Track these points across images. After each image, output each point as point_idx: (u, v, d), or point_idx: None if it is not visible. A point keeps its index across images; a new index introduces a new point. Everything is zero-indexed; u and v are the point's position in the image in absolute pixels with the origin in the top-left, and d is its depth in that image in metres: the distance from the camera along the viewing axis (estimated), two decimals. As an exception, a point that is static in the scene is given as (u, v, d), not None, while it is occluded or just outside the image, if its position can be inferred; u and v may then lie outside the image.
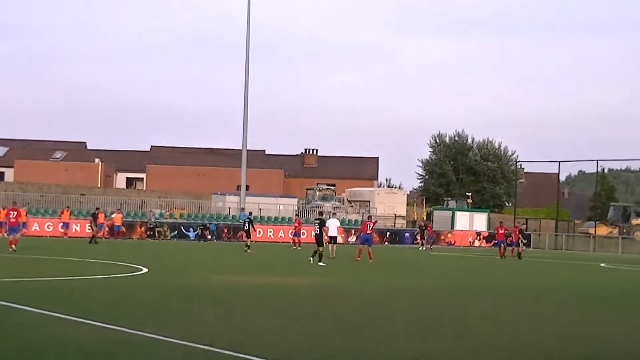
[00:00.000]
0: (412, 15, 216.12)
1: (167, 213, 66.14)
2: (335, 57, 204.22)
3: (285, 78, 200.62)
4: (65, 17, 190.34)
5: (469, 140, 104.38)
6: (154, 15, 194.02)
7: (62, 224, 56.42)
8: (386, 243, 65.83)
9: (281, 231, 62.37)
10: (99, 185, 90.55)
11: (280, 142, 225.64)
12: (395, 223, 73.04)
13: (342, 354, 12.28)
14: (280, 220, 65.76)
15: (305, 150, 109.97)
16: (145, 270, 27.52)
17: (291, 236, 53.19)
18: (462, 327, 15.61)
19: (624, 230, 76.68)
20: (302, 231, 52.74)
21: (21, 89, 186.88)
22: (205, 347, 12.22)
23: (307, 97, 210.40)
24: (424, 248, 58.83)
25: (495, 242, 49.61)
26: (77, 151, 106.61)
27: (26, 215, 45.33)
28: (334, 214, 42.46)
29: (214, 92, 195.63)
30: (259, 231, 51.36)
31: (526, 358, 12.73)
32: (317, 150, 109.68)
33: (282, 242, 58.93)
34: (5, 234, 52.67)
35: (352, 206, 75.48)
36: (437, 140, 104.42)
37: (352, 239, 63.15)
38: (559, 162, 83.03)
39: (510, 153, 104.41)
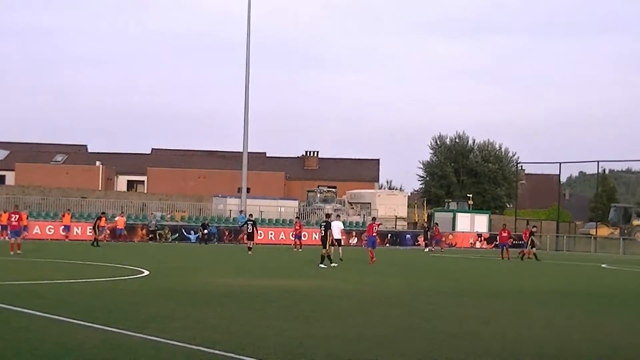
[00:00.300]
0: (412, 18, 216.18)
1: (168, 216, 66.18)
2: (335, 59, 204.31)
3: (285, 80, 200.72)
4: (65, 19, 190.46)
5: (470, 142, 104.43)
6: (155, 18, 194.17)
7: (63, 227, 56.49)
8: (387, 245, 65.87)
9: (282, 233, 62.42)
10: (100, 188, 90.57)
11: (281, 145, 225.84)
12: (396, 225, 73.06)
13: (343, 357, 12.28)
14: (281, 222, 65.78)
15: (306, 152, 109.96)
16: (146, 273, 27.54)
17: (292, 238, 53.24)
18: (463, 330, 15.60)
19: (625, 231, 76.63)
20: (303, 233, 52.64)
21: (22, 92, 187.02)
22: (207, 350, 12.22)
23: (308, 99, 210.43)
24: (427, 250, 58.92)
25: (497, 243, 49.54)
26: (78, 154, 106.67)
27: (27, 218, 45.43)
28: (338, 216, 42.40)
29: (215, 95, 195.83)
30: (260, 233, 51.37)
31: None
32: (317, 152, 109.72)
33: (283, 244, 58.95)
34: (7, 237, 52.93)
35: (352, 208, 75.49)
36: (438, 142, 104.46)
37: (353, 240, 63.20)
38: (560, 163, 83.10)
39: (511, 154, 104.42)
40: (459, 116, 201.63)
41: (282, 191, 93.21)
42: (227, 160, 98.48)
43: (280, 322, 15.95)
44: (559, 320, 17.85)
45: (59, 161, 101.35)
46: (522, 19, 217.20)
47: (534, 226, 55.15)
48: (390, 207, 74.72)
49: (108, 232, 55.74)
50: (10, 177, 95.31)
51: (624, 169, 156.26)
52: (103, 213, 54.57)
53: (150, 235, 59.14)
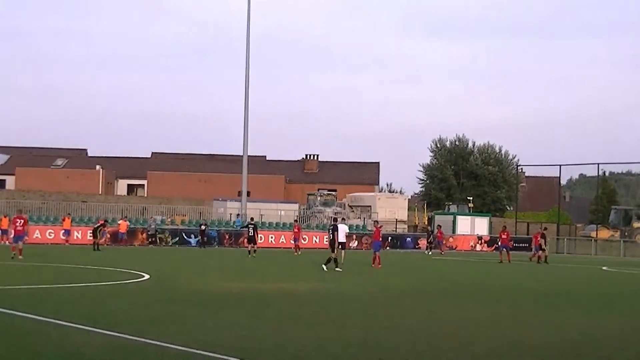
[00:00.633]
0: (412, 21, 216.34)
1: (169, 219, 66.17)
2: (335, 62, 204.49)
3: (285, 83, 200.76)
4: (66, 23, 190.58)
5: (470, 145, 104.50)
6: (155, 21, 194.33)
7: (63, 231, 56.48)
8: (387, 248, 65.78)
9: (282, 237, 62.38)
10: (100, 192, 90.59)
11: (281, 148, 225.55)
12: (396, 228, 73.03)
13: (345, 359, 12.28)
14: (281, 225, 65.77)
15: (306, 155, 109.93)
16: (147, 276, 27.53)
17: (292, 242, 53.25)
18: (464, 332, 15.60)
19: (626, 234, 76.59)
20: (303, 237, 52.58)
21: (22, 96, 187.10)
22: (208, 354, 12.22)
23: (308, 102, 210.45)
24: (430, 252, 58.94)
25: (497, 246, 49.46)
26: (78, 158, 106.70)
27: (27, 222, 45.42)
28: (343, 219, 42.49)
29: (215, 98, 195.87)
30: (260, 237, 51.36)
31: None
32: (317, 155, 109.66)
33: (284, 248, 58.94)
34: (7, 242, 52.90)
35: (353, 211, 75.46)
36: (438, 145, 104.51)
37: (354, 244, 63.15)
38: (560, 165, 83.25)
39: (511, 157, 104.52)
40: (459, 119, 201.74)
41: (282, 194, 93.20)
42: (227, 163, 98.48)
43: (280, 325, 15.95)
44: (559, 322, 17.84)
45: (59, 165, 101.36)
46: (523, 20, 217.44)
47: (544, 229, 55.20)
48: (391, 210, 74.66)
49: (109, 236, 55.74)
50: (10, 182, 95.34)
51: (624, 171, 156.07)
52: (106, 220, 54.57)
53: (150, 239, 59.10)
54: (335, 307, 19.96)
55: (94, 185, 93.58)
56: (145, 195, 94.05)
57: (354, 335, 14.94)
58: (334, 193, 79.55)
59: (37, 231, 55.15)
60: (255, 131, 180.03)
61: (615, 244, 72.13)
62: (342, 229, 38.52)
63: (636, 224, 79.98)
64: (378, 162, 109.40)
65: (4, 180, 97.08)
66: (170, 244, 59.87)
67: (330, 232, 35.35)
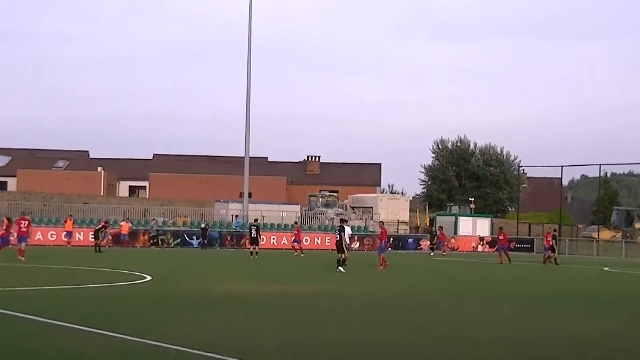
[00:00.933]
0: (413, 22, 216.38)
1: (170, 221, 66.19)
2: (337, 64, 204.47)
3: (287, 85, 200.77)
4: (67, 25, 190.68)
5: (471, 146, 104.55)
6: (156, 23, 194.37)
7: (65, 232, 56.48)
8: (389, 249, 65.75)
9: (284, 238, 62.36)
10: (101, 194, 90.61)
11: (283, 149, 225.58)
12: (398, 229, 73.00)
13: (345, 361, 12.30)
14: (283, 227, 65.77)
15: (308, 157, 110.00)
16: (148, 278, 27.55)
17: (293, 243, 53.22)
18: (466, 333, 15.61)
19: (627, 234, 76.61)
20: (304, 238, 52.52)
21: (23, 98, 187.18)
22: (209, 355, 12.23)
23: (309, 104, 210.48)
24: (433, 254, 58.99)
25: (501, 247, 49.44)
26: (79, 160, 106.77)
27: (30, 224, 45.50)
28: (345, 221, 42.46)
29: (216, 100, 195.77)
30: (262, 238, 51.35)
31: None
32: (319, 157, 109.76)
33: (286, 249, 58.92)
34: (10, 244, 52.93)
35: (354, 212, 75.45)
36: (440, 146, 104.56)
37: (355, 245, 63.11)
38: (562, 166, 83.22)
39: (512, 158, 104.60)
40: (460, 120, 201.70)
41: (283, 196, 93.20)
42: (228, 165, 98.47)
43: (281, 327, 15.96)
44: (561, 323, 17.84)
45: (60, 167, 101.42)
46: (523, 21, 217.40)
47: (554, 230, 55.22)
48: (392, 211, 74.63)
49: (110, 237, 55.76)
50: (12, 183, 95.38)
51: (626, 172, 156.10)
52: (106, 222, 54.58)
53: (152, 241, 59.12)
54: (337, 308, 19.96)
55: (95, 187, 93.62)
56: (147, 197, 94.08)
57: (356, 335, 14.95)
58: (335, 194, 79.56)
59: (39, 233, 55.13)
60: (257, 132, 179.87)
61: (617, 245, 72.10)
62: (346, 231, 38.51)
63: (638, 225, 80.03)
64: (380, 164, 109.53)
65: (6, 182, 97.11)
66: (172, 245, 59.88)
67: (337, 234, 35.20)
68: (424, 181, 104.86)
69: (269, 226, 64.67)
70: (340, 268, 33.65)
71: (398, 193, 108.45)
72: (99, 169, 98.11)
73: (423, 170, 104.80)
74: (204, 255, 49.57)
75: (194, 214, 70.54)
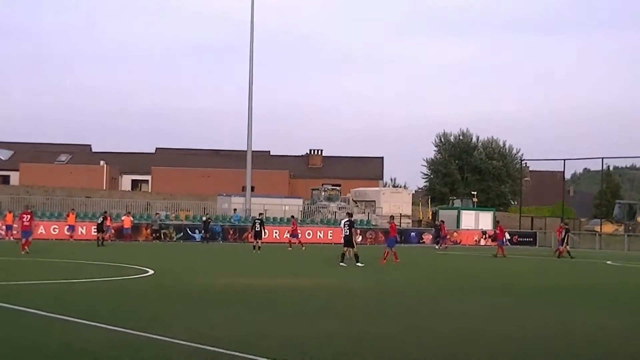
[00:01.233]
0: (416, 16, 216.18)
1: (173, 215, 66.21)
2: (339, 58, 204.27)
3: (289, 79, 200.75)
4: (70, 19, 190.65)
5: (474, 139, 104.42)
6: (159, 17, 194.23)
7: (67, 226, 56.49)
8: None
9: (287, 232, 62.35)
10: (104, 188, 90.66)
11: (285, 143, 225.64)
12: (400, 222, 72.98)
13: (347, 355, 12.29)
14: (285, 221, 65.73)
15: (310, 150, 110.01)
16: (151, 272, 27.56)
17: (290, 237, 53.01)
18: (467, 328, 15.61)
19: (630, 228, 76.57)
20: (307, 232, 52.42)
21: (26, 92, 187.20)
22: (211, 348, 12.25)
23: (312, 97, 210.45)
24: (438, 247, 59.06)
25: (499, 240, 49.50)
26: (82, 154, 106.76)
27: (34, 218, 45.62)
28: (349, 214, 42.36)
29: (218, 94, 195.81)
30: (265, 232, 51.36)
31: (531, 359, 12.72)
32: (321, 150, 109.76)
33: (288, 243, 58.89)
34: (12, 237, 53.00)
35: (357, 206, 75.45)
36: (442, 140, 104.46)
37: (358, 238, 63.06)
38: (564, 160, 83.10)
39: (515, 151, 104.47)
40: (462, 113, 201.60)
41: (286, 189, 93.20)
42: (231, 159, 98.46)
43: (284, 320, 15.97)
44: (563, 317, 17.85)
45: (63, 161, 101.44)
46: (526, 16, 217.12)
47: (566, 223, 55.31)
48: (395, 204, 74.60)
49: (113, 231, 55.77)
50: (14, 177, 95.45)
51: (628, 166, 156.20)
52: (105, 212, 54.62)
53: (155, 235, 59.16)
54: (339, 301, 19.97)
55: (98, 180, 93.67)
56: (150, 191, 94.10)
57: (358, 329, 14.95)
58: (338, 188, 79.52)
59: (42, 227, 55.16)
60: (259, 126, 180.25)
61: (620, 238, 72.06)
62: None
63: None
64: (382, 157, 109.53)
65: (8, 176, 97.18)
66: (174, 239, 59.89)
67: (347, 228, 35.06)
68: (427, 175, 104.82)
69: (271, 220, 64.65)
70: (358, 264, 33.50)
71: (400, 187, 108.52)
72: (102, 162, 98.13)
73: (425, 164, 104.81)
74: (206, 249, 49.57)
75: (196, 208, 70.56)
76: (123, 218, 57.94)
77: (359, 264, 33.26)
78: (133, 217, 59.46)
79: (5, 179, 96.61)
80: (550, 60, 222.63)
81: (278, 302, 19.58)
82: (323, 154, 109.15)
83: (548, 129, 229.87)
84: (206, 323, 15.22)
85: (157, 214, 62.55)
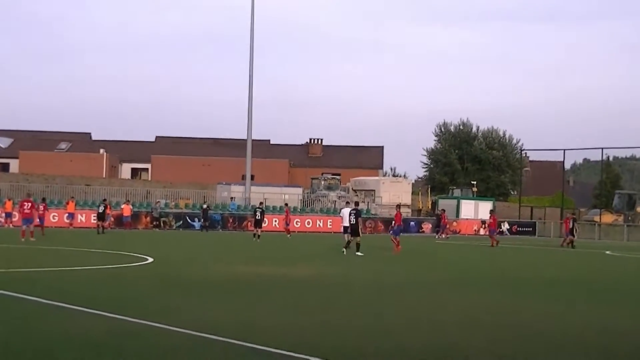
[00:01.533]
0: (416, 5, 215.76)
1: (172, 203, 66.25)
2: (339, 47, 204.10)
3: (289, 68, 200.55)
4: (70, 9, 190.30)
5: (474, 129, 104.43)
6: (160, 6, 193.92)
7: (67, 214, 56.53)
8: (391, 232, 65.78)
9: (285, 221, 62.38)
10: (104, 176, 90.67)
11: (285, 132, 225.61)
12: (400, 212, 72.99)
13: (346, 346, 12.29)
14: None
15: (310, 139, 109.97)
16: (150, 260, 27.57)
17: (286, 226, 53.07)
18: (467, 319, 15.59)
19: (629, 218, 76.63)
20: (307, 221, 52.33)
21: (26, 80, 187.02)
22: (211, 337, 12.23)
23: (312, 86, 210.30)
24: (437, 237, 59.23)
25: (491, 230, 49.65)
26: (82, 142, 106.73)
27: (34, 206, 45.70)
28: (347, 203, 42.32)
29: (219, 83, 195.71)
30: (265, 221, 51.41)
31: (531, 349, 12.72)
32: (321, 139, 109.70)
33: (288, 232, 58.90)
34: (11, 225, 53.04)
35: (357, 195, 75.45)
36: (442, 129, 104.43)
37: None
38: (564, 150, 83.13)
39: (515, 141, 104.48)
40: (463, 103, 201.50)
41: (286, 178, 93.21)
42: (231, 147, 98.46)
43: (285, 309, 15.96)
44: (563, 308, 17.84)
45: (63, 149, 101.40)
46: (527, 6, 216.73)
47: (573, 214, 55.51)
48: (395, 194, 74.63)
49: (112, 219, 55.80)
50: (14, 165, 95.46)
51: (628, 156, 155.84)
52: (105, 199, 54.61)
53: (155, 223, 59.22)
54: (338, 291, 19.94)
55: (97, 169, 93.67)
56: (149, 179, 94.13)
57: (357, 319, 14.95)
58: (337, 177, 79.59)
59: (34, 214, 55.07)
60: (260, 115, 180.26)
61: (619, 229, 72.15)
62: (348, 213, 38.45)
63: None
64: (382, 147, 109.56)
65: (8, 164, 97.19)
66: (174, 227, 59.97)
67: (353, 217, 35.07)
68: (427, 164, 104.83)
69: (271, 209, 64.71)
70: (358, 253, 33.51)
71: (400, 176, 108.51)
72: (101, 150, 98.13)
73: (425, 154, 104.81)
74: (205, 237, 49.59)
75: (196, 197, 70.62)
76: (123, 206, 57.97)
77: (358, 253, 33.28)
78: (133, 206, 59.51)
79: (5, 167, 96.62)
80: (551, 50, 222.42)
81: (278, 291, 19.57)
82: (323, 143, 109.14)
83: (548, 119, 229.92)
84: (206, 311, 15.22)
85: (157, 202, 62.61)
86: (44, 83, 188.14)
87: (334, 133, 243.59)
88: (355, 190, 76.55)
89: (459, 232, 69.22)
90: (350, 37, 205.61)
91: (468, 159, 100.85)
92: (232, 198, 66.22)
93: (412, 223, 69.76)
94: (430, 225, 68.61)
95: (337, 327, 13.79)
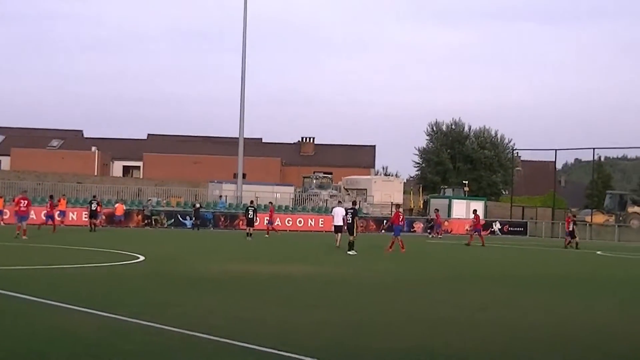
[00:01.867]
0: (408, 4, 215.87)
1: (164, 201, 66.13)
2: (332, 46, 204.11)
3: (282, 66, 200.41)
4: (61, 5, 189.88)
5: (466, 129, 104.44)
6: (152, 3, 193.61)
7: (58, 212, 56.39)
8: (383, 231, 65.84)
9: (278, 219, 62.38)
10: (95, 174, 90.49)
11: (277, 130, 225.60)
12: (392, 211, 73.03)
13: (343, 343, 12.28)
14: (277, 208, 65.72)
15: (302, 138, 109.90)
16: (142, 258, 27.53)
17: (267, 224, 52.98)
18: (462, 316, 15.60)
19: (620, 218, 76.71)
20: (298, 219, 52.26)
21: (17, 77, 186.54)
22: (203, 335, 12.20)
23: (304, 85, 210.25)
24: (431, 236, 59.31)
25: (474, 230, 49.69)
26: (73, 139, 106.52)
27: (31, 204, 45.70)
28: (339, 202, 42.25)
29: (211, 81, 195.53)
30: (257, 219, 51.35)
31: (524, 347, 12.74)
32: (314, 138, 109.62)
33: (279, 231, 58.92)
34: (2, 222, 52.89)
35: (348, 194, 75.42)
36: (434, 129, 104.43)
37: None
38: (556, 150, 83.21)
39: (507, 141, 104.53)
40: (455, 102, 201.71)
41: (278, 177, 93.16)
42: (223, 145, 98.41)
43: (278, 308, 15.93)
44: (555, 307, 17.86)
45: (54, 146, 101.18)
46: (519, 6, 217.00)
47: (574, 215, 55.67)
48: (386, 193, 74.65)
49: (104, 217, 55.69)
50: (5, 162, 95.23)
51: (619, 156, 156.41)
52: (95, 196, 54.52)
53: (146, 221, 59.13)
54: (334, 290, 19.93)
55: (89, 166, 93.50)
56: (141, 177, 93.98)
57: (352, 317, 14.93)
58: (329, 176, 79.54)
59: (32, 212, 55.02)
60: (252, 113, 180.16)
61: (610, 229, 72.22)
62: (340, 212, 38.48)
63: (631, 209, 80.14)
64: (374, 146, 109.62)
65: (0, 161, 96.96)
66: (165, 225, 59.88)
67: (350, 216, 35.25)
68: (418, 163, 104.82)
69: (262, 207, 64.65)
70: (349, 252, 33.54)
71: (392, 175, 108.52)
72: (93, 148, 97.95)
73: (417, 153, 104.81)
74: (197, 236, 49.53)
75: (187, 195, 70.52)
76: (116, 206, 57.91)
77: (350, 252, 33.34)
78: (124, 204, 59.39)
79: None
80: (543, 50, 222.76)
81: (270, 289, 19.55)
82: (315, 142, 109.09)
83: (540, 119, 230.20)
84: (198, 310, 15.19)
85: (148, 200, 62.51)
86: (35, 80, 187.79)
87: (326, 132, 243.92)
88: (347, 189, 76.53)
89: (451, 231, 69.23)
90: (344, 35, 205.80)
91: (460, 158, 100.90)
92: (220, 196, 66.13)
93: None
94: (422, 225, 68.67)
95: (330, 326, 13.77)
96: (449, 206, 74.18)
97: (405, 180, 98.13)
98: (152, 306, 15.45)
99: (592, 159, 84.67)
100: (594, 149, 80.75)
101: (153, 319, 13.53)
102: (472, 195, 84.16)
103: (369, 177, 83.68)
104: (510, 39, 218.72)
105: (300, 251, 36.49)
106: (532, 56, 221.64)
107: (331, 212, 41.08)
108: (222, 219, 62.17)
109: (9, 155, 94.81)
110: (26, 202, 39.23)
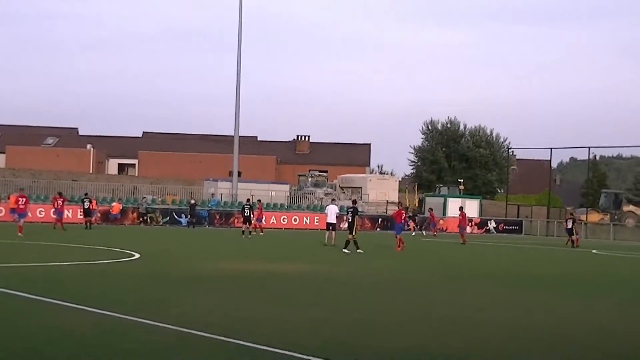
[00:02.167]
0: (404, 4, 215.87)
1: (159, 199, 66.07)
2: (328, 44, 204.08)
3: (278, 65, 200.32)
4: (62, 5, 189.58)
5: (461, 127, 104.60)
6: (147, 2, 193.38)
7: (54, 209, 56.27)
8: (378, 229, 65.88)
9: (273, 217, 62.37)
10: (91, 171, 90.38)
11: (273, 129, 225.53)
12: (387, 209, 73.07)
13: (338, 341, 12.25)
14: (272, 206, 65.72)
15: (298, 136, 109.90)
16: (137, 256, 27.49)
17: (256, 222, 52.95)
18: (458, 315, 15.58)
19: (615, 217, 76.80)
20: (294, 217, 52.19)
21: (13, 74, 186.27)
22: (200, 333, 12.17)
23: (300, 83, 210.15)
24: (425, 234, 59.43)
25: (461, 228, 49.82)
26: (69, 137, 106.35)
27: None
28: (333, 200, 42.20)
29: (207, 79, 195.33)
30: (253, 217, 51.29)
31: (524, 347, 12.74)
32: (309, 136, 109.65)
33: (274, 229, 58.91)
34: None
35: (344, 192, 75.46)
36: (430, 127, 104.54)
37: (344, 224, 63.11)
38: (551, 148, 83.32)
39: (502, 140, 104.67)
40: (450, 101, 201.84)
41: (273, 175, 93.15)
42: (218, 143, 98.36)
43: (275, 306, 15.88)
44: (553, 306, 17.85)
45: (50, 144, 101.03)
46: (515, 5, 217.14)
47: (572, 213, 55.75)
48: (381, 191, 74.67)
49: (99, 215, 55.64)
50: (0, 160, 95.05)
51: (614, 155, 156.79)
52: (86, 194, 54.50)
53: (141, 219, 59.09)
54: (331, 288, 19.88)
55: (84, 164, 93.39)
56: (136, 175, 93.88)
57: (348, 316, 14.88)
58: (325, 174, 79.54)
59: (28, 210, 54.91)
60: (247, 112, 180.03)
61: (605, 228, 72.31)
62: (333, 210, 38.46)
63: (626, 208, 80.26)
64: (369, 144, 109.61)
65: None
66: (160, 223, 59.84)
67: (350, 215, 35.29)
68: (414, 162, 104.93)
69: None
70: (345, 250, 33.58)
71: (387, 173, 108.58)
72: (88, 146, 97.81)
73: (412, 151, 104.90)
74: (192, 233, 49.49)
75: (183, 193, 70.47)
76: (113, 205, 57.90)
77: (345, 250, 33.36)
78: (119, 201, 59.34)
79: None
80: (539, 50, 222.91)
81: (266, 287, 19.52)
82: (310, 140, 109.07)
83: (535, 118, 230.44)
84: (195, 308, 15.14)
85: (143, 198, 62.45)
86: (31, 78, 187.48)
87: (321, 130, 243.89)
88: (342, 188, 76.52)
89: (446, 229, 69.21)
90: (339, 34, 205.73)
91: (455, 156, 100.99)
92: (212, 194, 66.10)
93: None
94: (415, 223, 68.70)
95: (328, 324, 13.73)
96: (444, 205, 74.19)
97: (401, 179, 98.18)
98: (148, 304, 15.42)
99: (587, 157, 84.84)
100: (589, 147, 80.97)
101: (149, 316, 13.49)
102: (468, 193, 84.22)
103: (364, 175, 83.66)
104: (506, 39, 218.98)
105: (296, 249, 36.47)
106: (527, 56, 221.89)
107: (325, 210, 41.11)
108: (218, 217, 62.12)
109: (4, 152, 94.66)
110: (24, 199, 39.33)
